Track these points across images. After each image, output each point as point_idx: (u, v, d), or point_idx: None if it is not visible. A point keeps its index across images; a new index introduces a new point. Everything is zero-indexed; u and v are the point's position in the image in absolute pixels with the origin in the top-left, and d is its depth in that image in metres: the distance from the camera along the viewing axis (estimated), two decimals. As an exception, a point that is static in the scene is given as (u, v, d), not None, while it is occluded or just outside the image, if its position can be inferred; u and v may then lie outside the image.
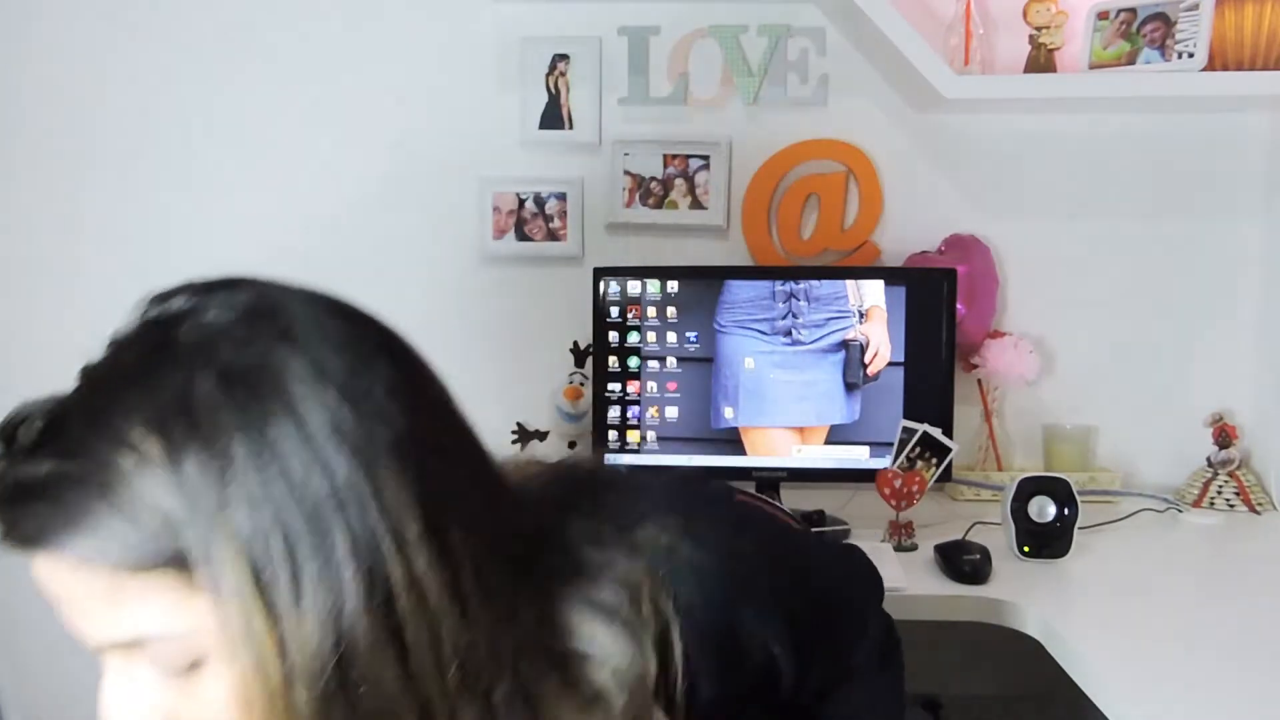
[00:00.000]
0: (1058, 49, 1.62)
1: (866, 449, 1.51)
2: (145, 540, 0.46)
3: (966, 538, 1.36)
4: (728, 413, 1.52)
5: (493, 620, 0.51)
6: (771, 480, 1.53)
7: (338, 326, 0.52)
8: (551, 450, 1.66)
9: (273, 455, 0.47)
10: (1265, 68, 1.55)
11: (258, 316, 0.51)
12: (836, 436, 1.51)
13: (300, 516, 0.47)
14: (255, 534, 0.46)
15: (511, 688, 0.52)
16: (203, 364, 0.48)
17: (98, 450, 0.47)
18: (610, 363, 1.53)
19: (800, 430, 1.52)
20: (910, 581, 1.24)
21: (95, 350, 0.52)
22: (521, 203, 1.69)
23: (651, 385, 1.53)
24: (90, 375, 0.51)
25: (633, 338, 1.53)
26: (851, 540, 1.34)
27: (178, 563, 0.47)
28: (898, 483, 1.38)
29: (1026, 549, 1.33)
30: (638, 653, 0.56)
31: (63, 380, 0.52)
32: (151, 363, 0.49)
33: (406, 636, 0.48)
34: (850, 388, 1.51)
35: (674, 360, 1.52)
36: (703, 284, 1.52)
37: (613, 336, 1.53)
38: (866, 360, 1.51)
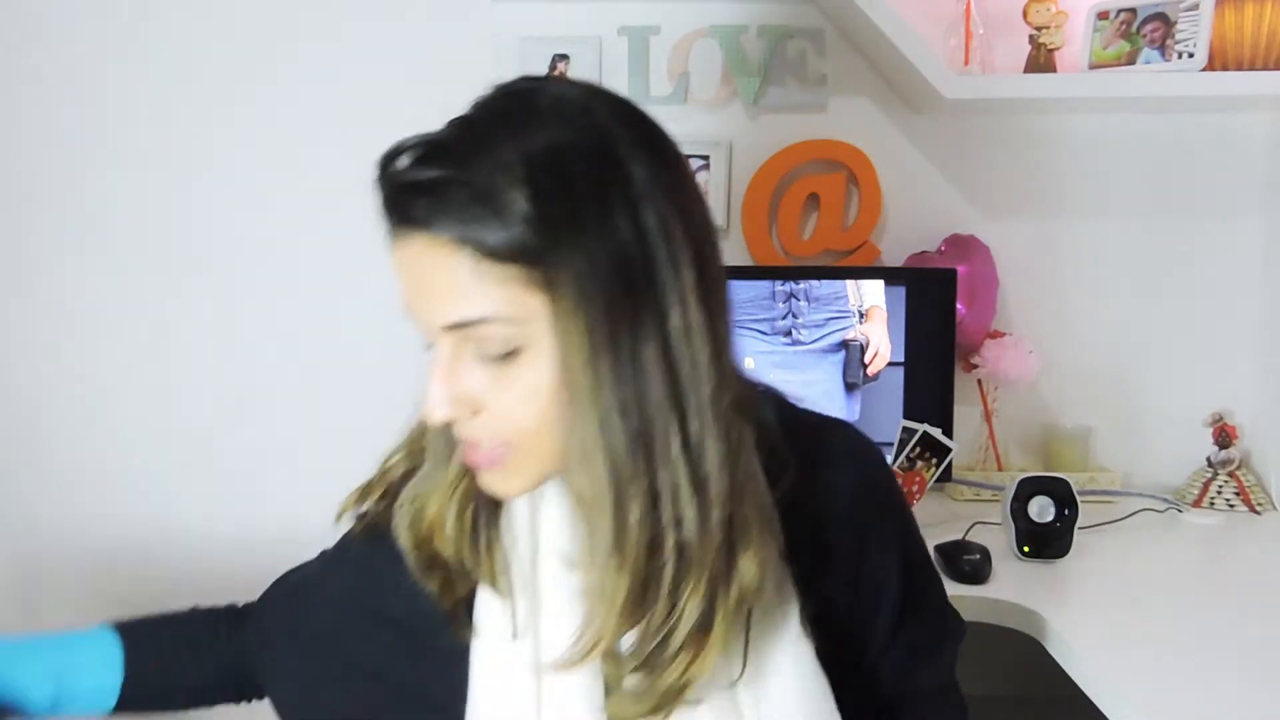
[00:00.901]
0: (1058, 49, 1.61)
1: (866, 449, 1.51)
2: (509, 239, 0.58)
3: (966, 538, 1.36)
4: (728, 413, 1.52)
5: (728, 372, 0.63)
6: (771, 480, 1.52)
7: (646, 116, 0.65)
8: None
9: (606, 199, 0.60)
10: (1265, 68, 1.55)
11: (593, 97, 0.63)
12: (836, 436, 1.51)
13: (620, 252, 0.59)
14: (589, 257, 0.59)
15: (739, 438, 0.63)
16: (559, 123, 0.61)
17: (479, 166, 0.59)
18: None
19: (800, 430, 1.52)
20: (910, 581, 1.24)
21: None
22: (521, 203, 1.69)
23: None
24: (465, 121, 0.63)
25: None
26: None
27: (529, 263, 0.58)
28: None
29: (1026, 549, 1.33)
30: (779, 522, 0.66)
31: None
32: (519, 116, 0.62)
33: (678, 361, 0.60)
34: (850, 388, 1.51)
35: (674, 360, 1.52)
36: (703, 284, 1.52)
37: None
38: (866, 360, 1.51)
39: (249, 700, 0.85)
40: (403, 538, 0.70)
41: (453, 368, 0.62)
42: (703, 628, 0.62)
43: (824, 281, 1.51)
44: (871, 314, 1.52)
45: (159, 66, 1.68)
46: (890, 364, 1.51)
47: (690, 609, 0.61)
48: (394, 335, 1.69)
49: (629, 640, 0.64)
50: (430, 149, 0.61)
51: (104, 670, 0.77)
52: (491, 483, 0.65)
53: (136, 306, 1.71)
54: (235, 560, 1.65)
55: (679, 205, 0.62)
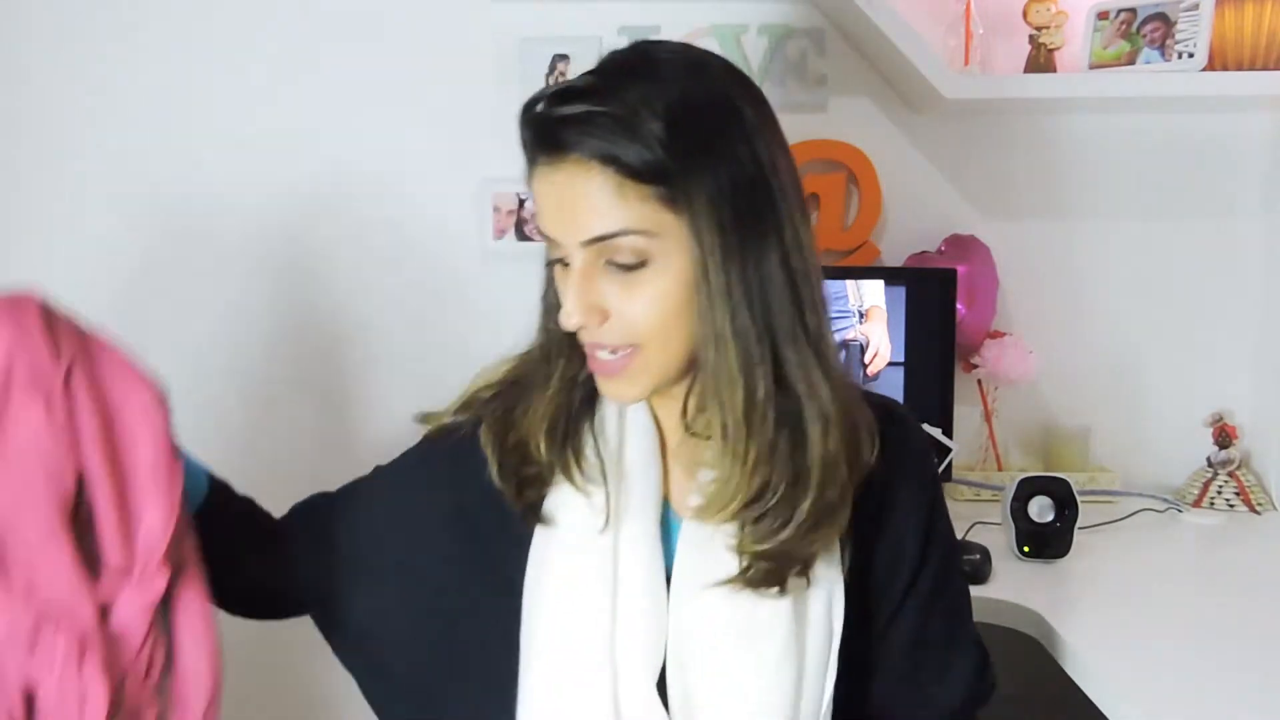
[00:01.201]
0: (1058, 49, 1.62)
1: (866, 449, 1.50)
2: (649, 161, 0.68)
3: (966, 538, 1.36)
4: (728, 413, 1.52)
5: (818, 298, 0.76)
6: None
7: (745, 74, 0.77)
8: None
9: (728, 133, 0.71)
10: (1265, 68, 1.55)
11: (705, 53, 0.75)
12: (836, 436, 1.51)
13: (742, 175, 0.71)
14: (717, 179, 0.69)
15: (819, 351, 0.74)
16: (681, 71, 0.72)
17: (619, 102, 0.68)
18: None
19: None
20: (910, 581, 1.24)
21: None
22: (522, 203, 1.69)
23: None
24: (596, 72, 0.72)
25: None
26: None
27: (665, 183, 0.68)
28: (898, 483, 1.38)
29: (1026, 549, 1.33)
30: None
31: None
32: (644, 68, 0.72)
33: (794, 266, 0.73)
34: (850, 388, 1.51)
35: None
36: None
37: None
38: (866, 360, 1.51)
39: (280, 615, 0.92)
40: (488, 445, 0.80)
41: (588, 279, 0.71)
42: (826, 505, 0.73)
43: (824, 281, 1.51)
44: (871, 314, 1.52)
45: (158, 65, 1.68)
46: (890, 364, 1.51)
47: (815, 479, 0.72)
48: (400, 339, 1.70)
49: (756, 511, 0.73)
50: (572, 91, 0.70)
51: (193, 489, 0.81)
52: (614, 388, 0.75)
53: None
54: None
55: (780, 145, 0.74)
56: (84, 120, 1.67)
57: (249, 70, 1.68)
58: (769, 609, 0.75)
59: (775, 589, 0.74)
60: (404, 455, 0.91)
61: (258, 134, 1.69)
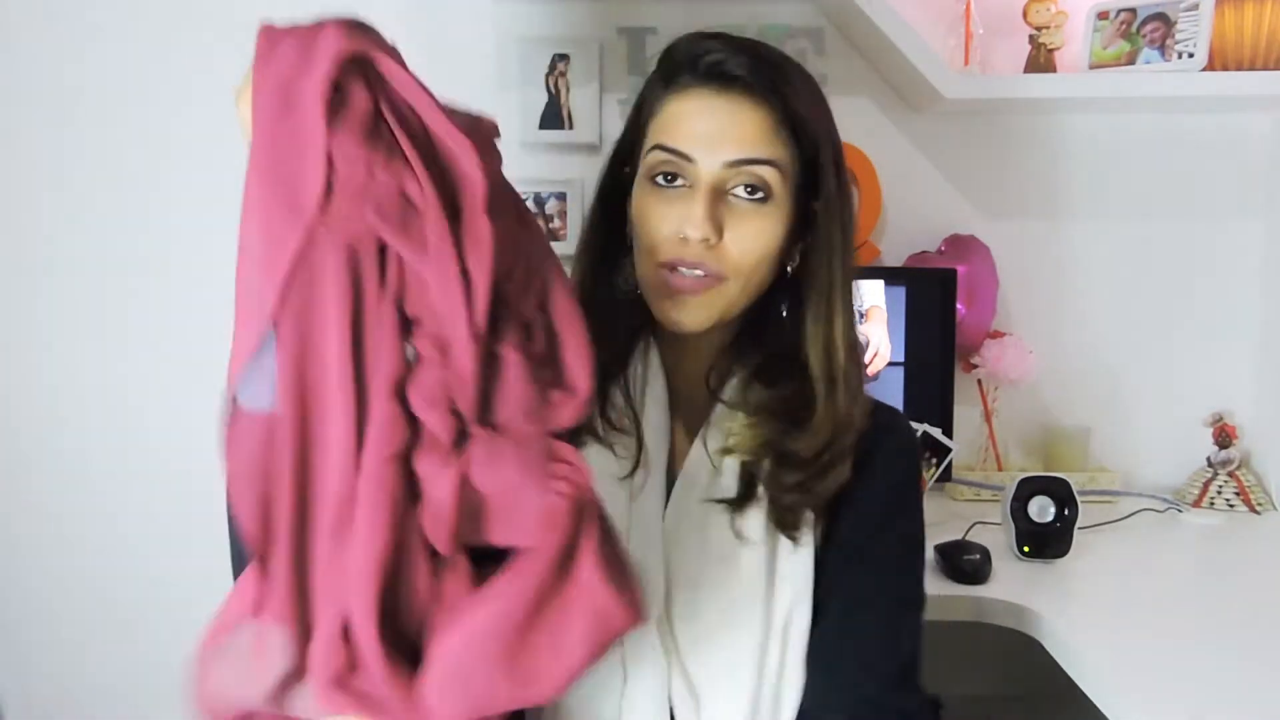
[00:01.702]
0: (1058, 49, 1.62)
1: (866, 449, 1.50)
2: (801, 112, 0.80)
3: (966, 538, 1.36)
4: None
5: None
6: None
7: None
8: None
9: (831, 116, 0.84)
10: (1265, 68, 1.55)
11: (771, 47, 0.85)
12: (836, 436, 1.51)
13: (839, 147, 0.83)
14: (834, 149, 0.82)
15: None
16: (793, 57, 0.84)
17: (770, 63, 0.82)
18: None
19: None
20: (910, 581, 1.24)
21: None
22: (521, 203, 1.69)
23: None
24: (726, 40, 0.85)
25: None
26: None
27: (806, 135, 0.80)
28: (898, 483, 1.38)
29: (1026, 549, 1.33)
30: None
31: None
32: (792, 61, 0.84)
33: (849, 238, 0.84)
34: (850, 388, 1.51)
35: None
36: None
37: (613, 336, 1.53)
38: (866, 360, 1.51)
39: None
40: None
41: (717, 202, 0.79)
42: (841, 453, 0.81)
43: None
44: (871, 314, 1.52)
45: (158, 64, 1.68)
46: (890, 364, 1.51)
47: (842, 431, 0.81)
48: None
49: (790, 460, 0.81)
50: (734, 39, 0.84)
51: None
52: (681, 313, 0.81)
53: (137, 312, 1.71)
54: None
55: None
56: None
57: (241, 64, 1.68)
58: (747, 557, 0.81)
59: (794, 531, 0.81)
60: None
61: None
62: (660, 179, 0.81)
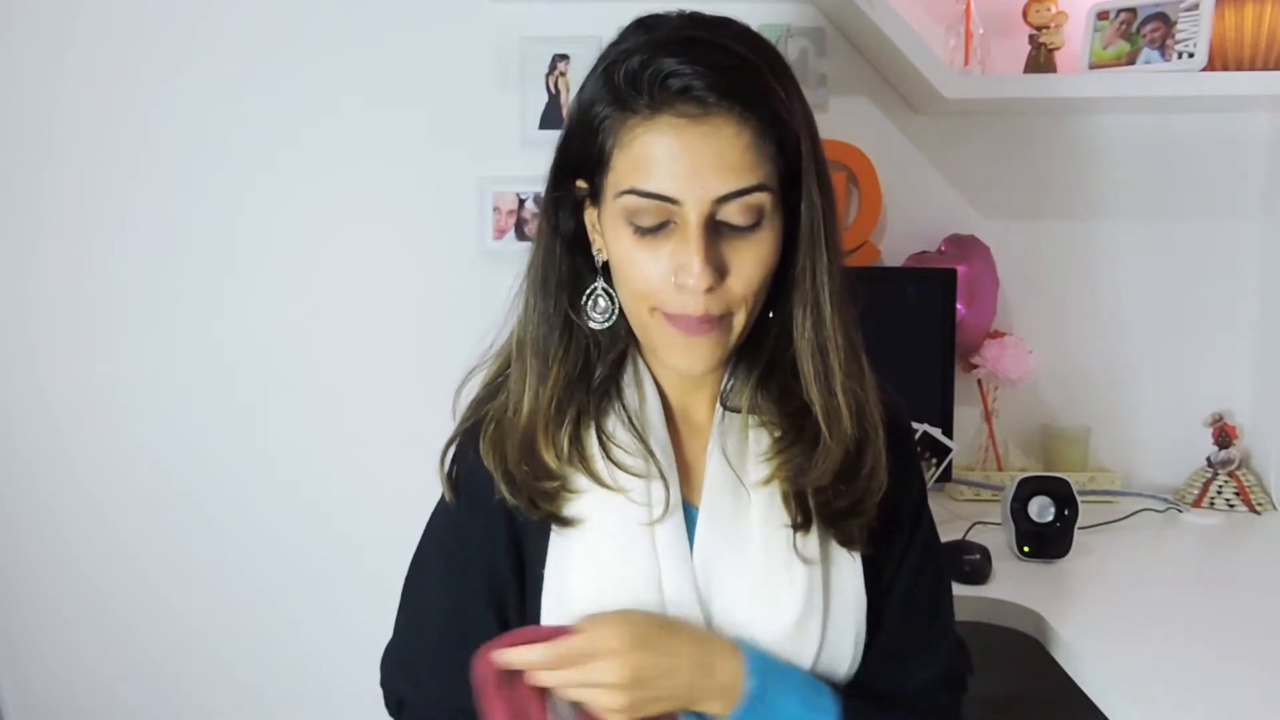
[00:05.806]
0: (1058, 49, 1.61)
1: (866, 449, 1.50)
2: (781, 118, 0.71)
3: (966, 538, 1.36)
4: (728, 413, 1.51)
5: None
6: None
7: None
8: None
9: (807, 104, 0.75)
10: (1265, 68, 1.55)
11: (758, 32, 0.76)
12: (836, 436, 1.51)
13: (820, 146, 0.75)
14: (814, 144, 0.74)
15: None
16: (764, 43, 0.74)
17: (743, 70, 0.70)
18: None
19: (800, 430, 1.52)
20: (910, 581, 1.24)
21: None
22: (521, 203, 1.69)
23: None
24: (696, 25, 0.75)
25: (633, 338, 1.52)
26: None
27: (787, 140, 0.72)
28: (898, 483, 1.38)
29: (1026, 549, 1.33)
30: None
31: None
32: (735, 32, 0.74)
33: (834, 232, 0.76)
34: (850, 388, 1.51)
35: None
36: (703, 284, 1.51)
37: (613, 336, 1.52)
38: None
39: None
40: (491, 463, 0.78)
41: (711, 239, 0.71)
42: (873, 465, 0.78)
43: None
44: (871, 314, 1.52)
45: (162, 68, 1.68)
46: (890, 364, 1.51)
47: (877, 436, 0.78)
48: (400, 339, 1.70)
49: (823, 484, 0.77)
50: (697, 44, 0.72)
51: None
52: (692, 359, 0.75)
53: (149, 310, 1.71)
54: (253, 559, 1.65)
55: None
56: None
57: (246, 68, 1.68)
58: (788, 578, 0.78)
59: (854, 547, 0.79)
60: (448, 555, 0.84)
61: (257, 134, 1.69)
62: (643, 224, 0.72)
